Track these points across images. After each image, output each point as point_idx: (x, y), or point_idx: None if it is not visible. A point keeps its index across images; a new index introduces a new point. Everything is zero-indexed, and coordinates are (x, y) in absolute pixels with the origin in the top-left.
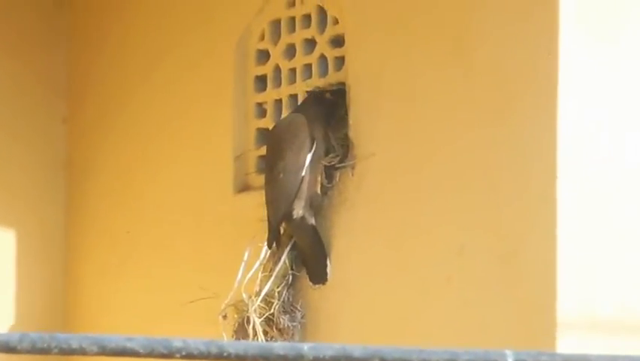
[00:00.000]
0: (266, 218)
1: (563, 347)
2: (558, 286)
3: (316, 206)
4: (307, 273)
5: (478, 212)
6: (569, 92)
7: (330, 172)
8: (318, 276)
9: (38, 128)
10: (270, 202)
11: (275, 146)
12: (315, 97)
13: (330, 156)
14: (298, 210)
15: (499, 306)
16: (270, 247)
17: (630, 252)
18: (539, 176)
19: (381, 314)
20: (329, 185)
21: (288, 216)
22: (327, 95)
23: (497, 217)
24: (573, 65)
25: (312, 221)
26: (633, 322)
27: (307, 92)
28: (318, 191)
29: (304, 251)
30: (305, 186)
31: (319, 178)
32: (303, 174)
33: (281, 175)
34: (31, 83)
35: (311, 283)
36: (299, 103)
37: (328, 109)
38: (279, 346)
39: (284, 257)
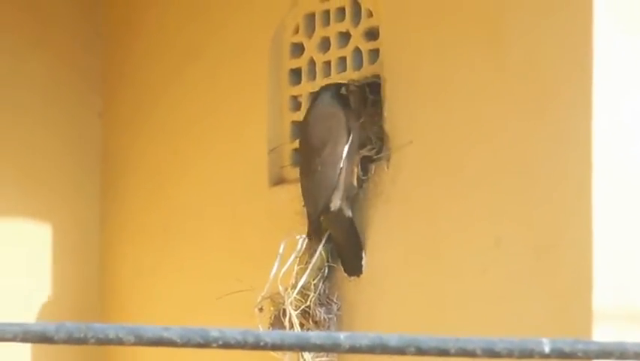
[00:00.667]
0: (302, 211)
1: (598, 337)
2: (594, 277)
3: (352, 198)
4: (342, 265)
5: (514, 205)
6: (605, 84)
7: (366, 164)
8: (354, 268)
9: (74, 122)
10: (309, 195)
11: (311, 138)
12: (332, 92)
13: (367, 148)
14: (336, 202)
15: (535, 298)
16: (310, 239)
17: None
18: (575, 168)
19: (417, 307)
20: (364, 177)
21: (326, 208)
22: (343, 90)
23: (533, 210)
24: (608, 57)
25: (349, 213)
26: None
27: (321, 87)
28: (355, 183)
29: (340, 243)
30: (342, 178)
31: (356, 170)
32: (342, 165)
33: (319, 167)
34: (67, 78)
35: (346, 275)
36: (313, 97)
37: (346, 105)
38: (316, 335)
39: (320, 249)
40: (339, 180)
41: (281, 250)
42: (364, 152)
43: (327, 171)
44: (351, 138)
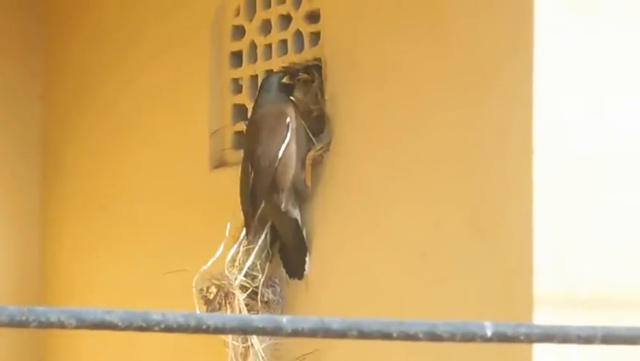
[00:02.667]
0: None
1: (539, 320)
2: (534, 260)
3: (302, 197)
4: (285, 266)
5: (454, 187)
6: (545, 68)
7: (316, 165)
8: (296, 271)
9: (13, 105)
10: (246, 195)
11: (252, 137)
12: (276, 83)
13: (317, 147)
14: (281, 200)
15: (474, 280)
16: (249, 237)
17: (605, 226)
18: (515, 151)
19: (359, 289)
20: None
21: (276, 207)
22: (285, 79)
23: (473, 192)
24: (549, 41)
25: (295, 215)
26: (608, 296)
27: (266, 73)
28: (306, 182)
29: (285, 244)
30: (287, 177)
31: (307, 170)
32: (277, 165)
33: (261, 165)
34: (6, 61)
35: (287, 276)
36: (260, 86)
37: (290, 93)
38: (258, 318)
39: (265, 232)
40: (281, 179)
41: (227, 233)
42: (313, 153)
43: (263, 171)
44: (290, 137)
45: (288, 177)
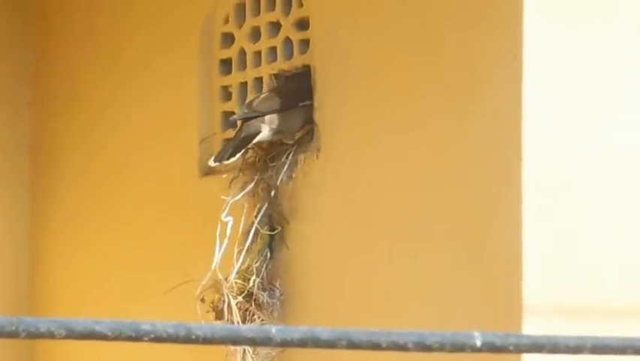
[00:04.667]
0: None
1: (528, 330)
2: (523, 268)
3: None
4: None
5: (443, 195)
6: (534, 76)
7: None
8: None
9: (3, 111)
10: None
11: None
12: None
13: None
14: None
15: (464, 288)
16: (219, 160)
17: (594, 235)
18: (505, 160)
19: (347, 297)
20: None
21: (254, 133)
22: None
23: (462, 200)
24: (538, 47)
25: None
26: (597, 305)
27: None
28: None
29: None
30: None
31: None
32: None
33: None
34: None
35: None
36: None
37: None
38: (247, 329)
39: (252, 231)
40: (273, 118)
41: (218, 237)
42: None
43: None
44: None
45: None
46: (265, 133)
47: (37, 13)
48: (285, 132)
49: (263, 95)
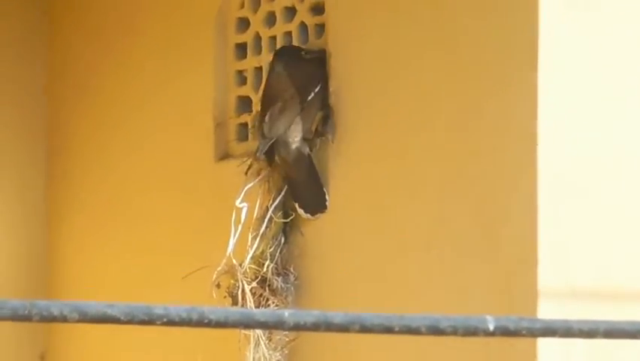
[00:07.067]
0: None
1: (542, 315)
2: (538, 254)
3: (309, 142)
4: (303, 206)
5: (459, 182)
6: (550, 63)
7: (315, 138)
8: (318, 204)
9: (18, 99)
10: (269, 120)
11: (279, 82)
12: (296, 56)
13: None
14: (294, 138)
15: (478, 274)
16: (259, 154)
17: (609, 221)
18: (520, 147)
19: (362, 281)
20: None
21: (285, 145)
22: (303, 53)
23: (478, 187)
24: (554, 38)
25: (307, 150)
26: (611, 289)
27: (282, 48)
28: (312, 129)
29: (299, 181)
30: (301, 118)
31: (316, 118)
32: (304, 106)
33: (282, 104)
34: (10, 55)
35: (309, 215)
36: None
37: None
38: (260, 313)
39: (267, 217)
40: (300, 118)
41: (233, 223)
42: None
43: (291, 107)
44: (320, 85)
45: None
46: (297, 143)
47: (52, 0)
48: (305, 130)
49: (273, 114)
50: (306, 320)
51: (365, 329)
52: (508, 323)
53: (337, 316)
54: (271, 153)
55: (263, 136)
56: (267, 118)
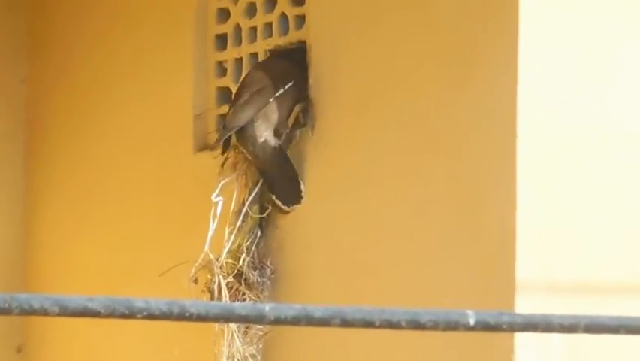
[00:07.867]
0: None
1: (520, 307)
2: (517, 247)
3: (282, 136)
4: (279, 198)
5: (438, 172)
6: (530, 52)
7: (294, 130)
8: (293, 195)
9: None
10: (234, 112)
11: (252, 75)
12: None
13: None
14: (262, 133)
15: (457, 266)
16: (216, 144)
17: (589, 213)
18: (499, 136)
19: (341, 273)
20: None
21: (252, 139)
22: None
23: (457, 178)
24: (534, 25)
25: (275, 143)
26: (591, 283)
27: (270, 51)
28: (288, 122)
29: (272, 174)
30: (272, 110)
31: (294, 110)
32: (271, 100)
33: (248, 96)
34: None
35: (285, 207)
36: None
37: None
38: (240, 306)
39: (243, 211)
40: (265, 111)
41: (211, 217)
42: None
43: (256, 100)
44: (294, 80)
45: (275, 111)
46: (265, 137)
47: None
48: (279, 124)
49: (236, 107)
50: (286, 314)
51: (346, 323)
52: (489, 317)
53: (318, 310)
54: (227, 143)
55: (224, 127)
56: (230, 110)
